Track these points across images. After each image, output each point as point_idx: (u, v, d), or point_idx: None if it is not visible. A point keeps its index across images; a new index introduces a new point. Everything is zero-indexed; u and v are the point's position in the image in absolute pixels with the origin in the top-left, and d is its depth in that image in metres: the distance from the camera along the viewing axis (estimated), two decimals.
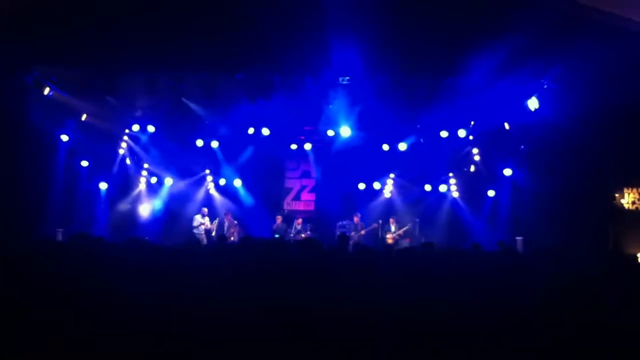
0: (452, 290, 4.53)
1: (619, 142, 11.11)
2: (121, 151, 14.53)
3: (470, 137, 14.14)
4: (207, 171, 15.22)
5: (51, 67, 11.81)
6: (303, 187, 15.84)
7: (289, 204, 15.64)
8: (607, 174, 11.52)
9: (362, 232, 13.83)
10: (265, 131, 14.20)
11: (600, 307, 4.04)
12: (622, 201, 11.30)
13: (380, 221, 14.13)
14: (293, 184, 15.90)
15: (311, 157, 15.39)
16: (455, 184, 14.80)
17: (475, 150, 14.41)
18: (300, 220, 14.26)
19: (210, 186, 15.27)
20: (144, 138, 14.46)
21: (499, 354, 3.68)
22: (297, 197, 15.82)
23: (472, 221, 14.13)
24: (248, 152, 14.93)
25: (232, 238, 13.27)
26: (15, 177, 11.50)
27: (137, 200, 14.77)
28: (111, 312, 3.94)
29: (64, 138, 13.22)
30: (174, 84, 11.90)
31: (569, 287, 4.22)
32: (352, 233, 13.58)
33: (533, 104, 11.90)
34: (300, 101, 12.52)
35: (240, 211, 14.81)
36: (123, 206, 14.50)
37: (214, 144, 14.57)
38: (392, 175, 15.17)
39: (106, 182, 14.07)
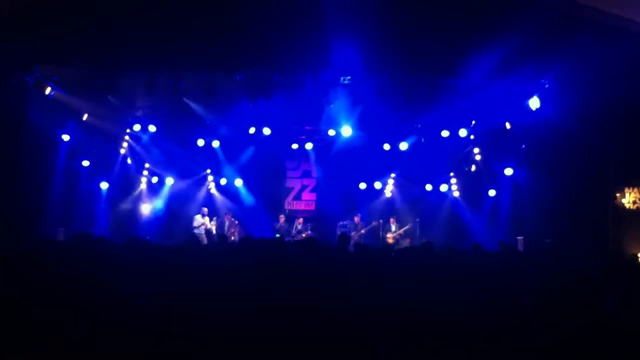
0: (452, 290, 4.53)
1: (619, 141, 11.11)
2: (122, 151, 14.55)
3: (471, 137, 14.15)
4: (208, 171, 15.24)
5: (52, 67, 11.82)
6: (304, 187, 15.86)
7: (289, 204, 15.64)
8: (607, 174, 11.52)
9: (362, 231, 13.84)
10: (266, 131, 14.22)
11: (600, 307, 4.04)
12: (623, 201, 11.29)
13: (381, 221, 14.14)
14: (294, 183, 15.91)
15: (312, 156, 15.41)
16: (456, 184, 14.80)
17: (476, 150, 14.42)
18: (301, 220, 14.29)
19: (211, 186, 15.29)
20: (145, 138, 14.48)
21: (499, 353, 3.68)
22: (298, 197, 15.83)
23: (472, 221, 14.13)
24: (249, 152, 14.94)
25: (232, 238, 13.29)
26: (15, 177, 11.49)
27: (138, 200, 14.78)
28: (111, 312, 3.95)
29: (65, 138, 13.22)
30: (174, 84, 11.92)
31: (569, 287, 4.22)
32: (353, 233, 13.59)
33: (534, 103, 11.90)
34: (300, 101, 12.52)
35: (241, 211, 14.81)
36: (124, 206, 14.52)
37: (215, 144, 14.59)
38: (392, 175, 15.18)
39: (107, 181, 14.08)
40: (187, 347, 3.73)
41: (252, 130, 14.39)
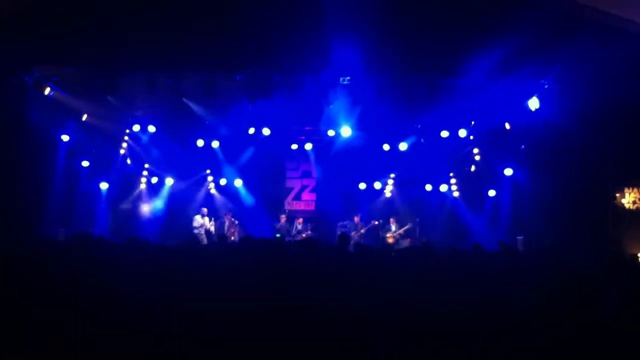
0: (452, 290, 4.53)
1: (619, 141, 11.10)
2: (122, 151, 14.54)
3: (471, 137, 14.15)
4: (208, 171, 15.23)
5: (52, 67, 11.81)
6: (304, 187, 15.85)
7: (289, 204, 15.64)
8: (607, 174, 11.51)
9: (362, 230, 13.85)
10: (266, 131, 14.22)
11: (600, 307, 4.04)
12: (623, 201, 11.29)
13: (381, 220, 14.14)
14: (294, 183, 15.91)
15: (312, 157, 15.41)
16: (455, 184, 14.80)
17: (475, 150, 14.42)
18: (300, 220, 14.29)
19: (211, 186, 15.29)
20: (144, 138, 14.47)
21: (499, 353, 3.68)
22: (297, 197, 15.83)
23: (472, 221, 14.12)
24: (249, 152, 14.95)
25: (232, 238, 13.29)
26: (15, 177, 11.48)
27: (137, 200, 14.78)
28: (111, 312, 3.95)
29: (65, 138, 13.22)
30: (174, 84, 11.92)
31: (569, 287, 4.22)
32: (353, 233, 13.59)
33: (534, 104, 11.90)
34: (300, 101, 12.52)
35: (240, 211, 14.81)
36: (124, 206, 14.52)
37: (215, 144, 14.58)
38: (392, 175, 15.17)
39: (107, 182, 14.07)
40: (187, 347, 3.73)
41: (251, 130, 14.40)
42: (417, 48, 10.24)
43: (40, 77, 11.95)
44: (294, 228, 14.01)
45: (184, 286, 4.39)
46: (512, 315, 3.95)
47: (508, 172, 13.36)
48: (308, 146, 15.12)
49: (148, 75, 11.77)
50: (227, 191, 15.19)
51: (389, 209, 14.81)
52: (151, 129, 14.07)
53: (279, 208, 15.00)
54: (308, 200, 15.78)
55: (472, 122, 13.86)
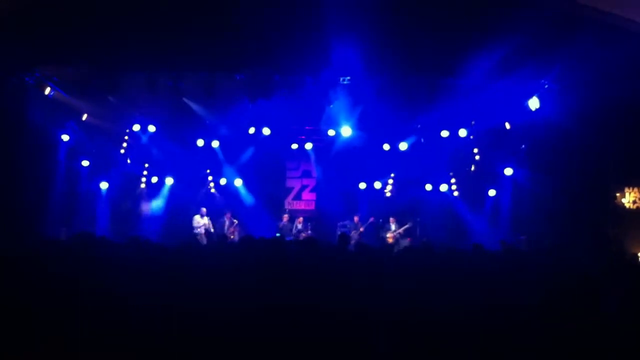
0: (452, 290, 4.53)
1: (619, 141, 11.10)
2: (122, 151, 14.55)
3: (471, 137, 14.14)
4: (208, 171, 15.24)
5: (52, 67, 11.82)
6: (304, 187, 15.86)
7: (289, 204, 15.66)
8: (607, 174, 11.52)
9: (361, 229, 13.85)
10: (266, 131, 14.22)
11: (600, 307, 4.04)
12: (623, 200, 11.29)
13: (381, 220, 14.14)
14: (294, 183, 15.92)
15: (312, 156, 15.42)
16: (455, 184, 14.80)
17: (476, 150, 14.42)
18: (301, 220, 14.30)
19: (211, 186, 15.29)
20: (144, 138, 14.48)
21: (499, 353, 3.68)
22: (297, 197, 15.84)
23: (472, 220, 14.12)
24: (249, 152, 14.96)
25: (232, 237, 13.30)
26: (15, 177, 11.49)
27: (138, 200, 14.79)
28: (112, 312, 3.95)
29: (65, 138, 13.24)
30: (174, 84, 11.92)
31: (569, 287, 4.22)
32: (353, 232, 13.61)
33: (534, 103, 11.91)
34: (300, 101, 12.52)
35: (241, 211, 14.81)
36: (124, 206, 14.53)
37: (215, 144, 14.59)
38: (392, 175, 15.17)
39: (107, 181, 14.09)
40: (187, 347, 3.73)
41: (251, 130, 14.40)
42: (417, 48, 10.23)
43: (40, 77, 11.97)
44: (294, 227, 14.05)
45: (184, 286, 4.40)
46: (512, 315, 3.95)
47: (508, 171, 13.36)
48: (308, 146, 15.13)
49: (148, 75, 11.77)
50: (227, 191, 15.19)
51: (389, 209, 14.80)
52: (151, 128, 14.09)
53: (279, 208, 15.02)
54: (308, 200, 15.79)
55: (472, 122, 13.86)
